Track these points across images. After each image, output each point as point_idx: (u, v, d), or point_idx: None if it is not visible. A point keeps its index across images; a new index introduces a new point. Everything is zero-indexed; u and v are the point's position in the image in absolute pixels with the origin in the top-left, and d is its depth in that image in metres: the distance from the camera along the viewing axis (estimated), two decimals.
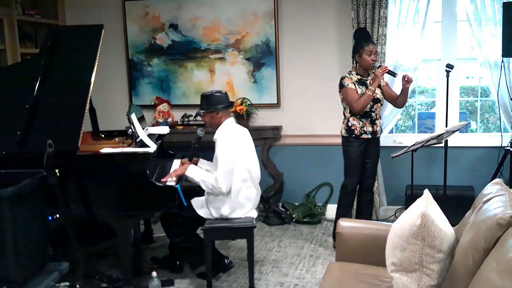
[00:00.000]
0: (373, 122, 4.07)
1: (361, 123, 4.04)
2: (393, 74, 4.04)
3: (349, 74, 4.07)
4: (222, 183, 3.36)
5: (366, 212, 4.27)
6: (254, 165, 3.58)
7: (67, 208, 3.09)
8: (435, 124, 5.09)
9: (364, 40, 4.01)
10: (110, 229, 3.31)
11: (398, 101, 4.12)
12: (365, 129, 4.04)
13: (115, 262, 3.93)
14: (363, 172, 4.19)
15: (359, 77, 4.05)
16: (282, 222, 4.98)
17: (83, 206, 3.20)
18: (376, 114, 4.08)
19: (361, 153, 4.10)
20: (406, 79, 3.94)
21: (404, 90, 4.05)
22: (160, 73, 5.37)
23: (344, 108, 4.13)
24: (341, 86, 4.04)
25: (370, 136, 4.07)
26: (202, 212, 3.49)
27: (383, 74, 3.95)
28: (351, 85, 3.99)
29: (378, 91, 4.06)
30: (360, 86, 4.01)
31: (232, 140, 3.46)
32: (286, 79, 5.11)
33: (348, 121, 4.08)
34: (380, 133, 4.20)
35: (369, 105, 3.99)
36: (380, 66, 3.99)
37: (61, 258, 2.97)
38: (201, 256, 3.52)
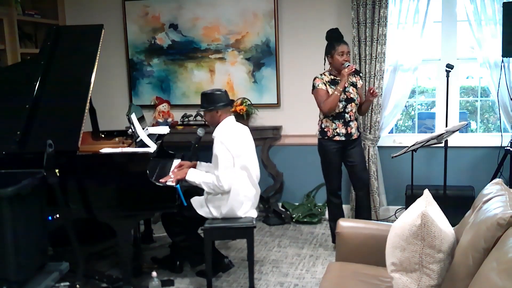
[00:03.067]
0: (346, 124, 4.00)
1: (333, 124, 4.00)
2: (358, 73, 4.06)
3: (321, 75, 4.05)
4: (223, 180, 3.36)
5: (364, 212, 4.20)
6: (253, 164, 3.59)
7: (67, 208, 3.09)
8: (435, 124, 5.09)
9: (336, 41, 4.01)
10: (110, 229, 3.31)
11: (361, 109, 4.16)
12: (338, 131, 4.00)
13: (115, 262, 3.94)
14: (350, 174, 4.17)
15: (332, 77, 4.03)
16: (282, 222, 4.98)
17: (83, 206, 3.21)
18: (350, 115, 4.02)
19: (337, 156, 4.06)
20: (371, 92, 3.96)
21: (367, 100, 4.09)
22: (160, 73, 5.37)
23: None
24: (312, 87, 4.03)
25: (344, 138, 4.01)
26: (202, 212, 3.50)
27: (350, 73, 3.91)
28: (322, 86, 3.98)
29: (352, 90, 4.02)
30: (332, 87, 3.98)
31: (231, 137, 3.46)
32: (286, 79, 5.11)
33: (322, 122, 4.06)
34: (358, 135, 4.11)
35: (342, 106, 3.96)
36: (348, 65, 3.92)
37: (61, 258, 2.97)
38: (201, 255, 3.53)
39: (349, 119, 4.02)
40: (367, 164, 4.66)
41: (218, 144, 3.42)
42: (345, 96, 3.98)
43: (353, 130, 4.04)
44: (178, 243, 3.66)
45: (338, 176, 4.17)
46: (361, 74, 4.17)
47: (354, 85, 4.06)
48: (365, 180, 4.23)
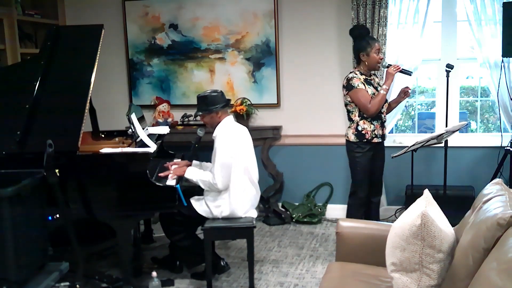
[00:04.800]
0: (382, 125, 3.86)
1: (372, 126, 3.79)
2: (407, 73, 3.84)
3: (355, 74, 3.82)
4: (218, 178, 3.38)
5: (375, 213, 4.08)
6: (253, 164, 3.60)
7: (67, 208, 3.09)
8: (435, 124, 5.09)
9: (370, 38, 3.86)
10: (110, 229, 3.31)
11: (389, 108, 4.02)
12: (376, 133, 3.81)
13: (115, 262, 3.93)
14: (371, 180, 3.97)
15: (364, 77, 3.83)
16: (282, 222, 4.98)
17: (83, 206, 3.20)
18: (384, 116, 3.89)
19: (370, 159, 3.86)
20: (405, 92, 3.86)
21: (397, 101, 3.97)
22: (160, 73, 5.37)
23: (350, 112, 3.86)
24: (350, 87, 3.76)
25: (380, 140, 3.85)
26: (201, 211, 3.50)
27: (396, 73, 3.78)
28: (361, 86, 3.74)
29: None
30: (368, 86, 3.79)
31: (231, 137, 3.48)
32: (286, 79, 5.11)
33: (358, 125, 3.81)
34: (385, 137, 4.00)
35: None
36: (390, 65, 3.80)
37: (61, 258, 2.97)
38: (197, 256, 3.53)
39: (384, 119, 3.88)
40: None
41: (218, 142, 3.44)
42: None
43: (386, 131, 3.93)
44: (175, 242, 3.65)
45: (369, 182, 3.97)
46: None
47: (380, 85, 3.90)
48: (380, 187, 4.11)
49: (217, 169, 3.38)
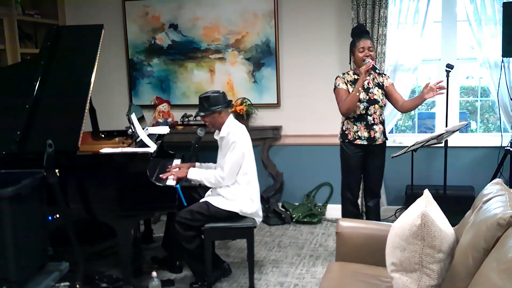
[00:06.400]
0: (369, 127, 3.74)
1: (355, 127, 3.75)
2: (373, 68, 3.70)
3: (343, 74, 3.85)
4: (227, 172, 3.40)
5: (373, 217, 3.98)
6: (254, 163, 3.65)
7: (67, 208, 3.09)
8: (435, 124, 5.09)
9: (356, 36, 3.79)
10: (110, 229, 3.31)
11: (406, 105, 3.82)
12: (360, 134, 3.74)
13: (115, 262, 3.93)
14: (366, 183, 3.95)
15: (356, 76, 3.79)
16: (282, 222, 4.98)
17: (83, 206, 3.21)
18: (374, 118, 3.77)
19: (358, 161, 3.81)
20: (439, 87, 3.59)
21: (421, 97, 3.68)
22: (160, 73, 5.37)
23: None
24: (334, 86, 3.84)
25: (366, 143, 3.75)
26: (229, 207, 3.42)
27: (368, 70, 3.67)
28: (342, 85, 3.76)
29: (377, 91, 3.79)
30: (353, 86, 3.75)
31: (242, 135, 3.52)
32: (286, 79, 5.11)
33: (343, 124, 3.85)
34: (383, 140, 3.85)
35: (363, 107, 3.70)
36: (368, 62, 3.68)
37: (61, 258, 2.96)
38: (203, 263, 3.46)
39: (372, 122, 3.74)
40: None
41: (235, 138, 3.45)
42: (367, 97, 3.72)
43: (377, 135, 3.78)
44: (190, 249, 3.43)
45: (359, 184, 3.96)
46: (377, 70, 3.79)
47: (380, 85, 3.81)
48: (376, 190, 3.98)
49: (227, 164, 3.40)
